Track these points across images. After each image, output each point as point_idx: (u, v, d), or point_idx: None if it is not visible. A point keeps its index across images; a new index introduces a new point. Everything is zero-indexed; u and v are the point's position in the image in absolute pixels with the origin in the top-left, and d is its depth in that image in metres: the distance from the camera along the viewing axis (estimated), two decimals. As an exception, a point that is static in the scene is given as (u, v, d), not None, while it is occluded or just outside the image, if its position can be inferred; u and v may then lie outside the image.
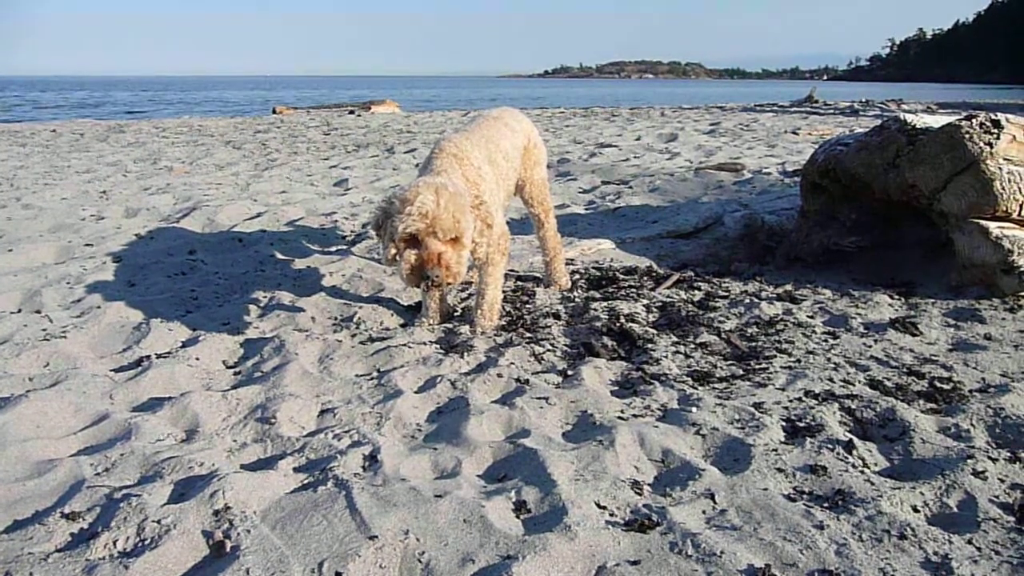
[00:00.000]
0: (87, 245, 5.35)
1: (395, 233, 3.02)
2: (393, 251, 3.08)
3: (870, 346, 3.45)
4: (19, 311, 3.98)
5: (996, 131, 3.97)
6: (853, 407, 2.80)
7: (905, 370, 3.16)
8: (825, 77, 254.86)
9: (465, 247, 3.10)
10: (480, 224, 3.18)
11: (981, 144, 3.95)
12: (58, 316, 3.84)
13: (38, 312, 3.91)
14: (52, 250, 5.17)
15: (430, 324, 3.71)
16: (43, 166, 9.44)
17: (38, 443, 2.56)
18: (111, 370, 3.25)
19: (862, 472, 2.35)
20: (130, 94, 54.09)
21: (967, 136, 3.98)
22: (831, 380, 3.05)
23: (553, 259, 4.32)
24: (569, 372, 3.15)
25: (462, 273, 3.09)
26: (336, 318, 3.86)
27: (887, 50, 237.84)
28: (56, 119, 20.92)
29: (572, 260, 4.88)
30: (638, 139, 12.55)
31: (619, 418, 2.72)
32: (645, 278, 4.55)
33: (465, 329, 3.65)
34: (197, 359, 3.31)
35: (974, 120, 4.04)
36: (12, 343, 3.43)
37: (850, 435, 2.59)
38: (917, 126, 4.32)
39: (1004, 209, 3.97)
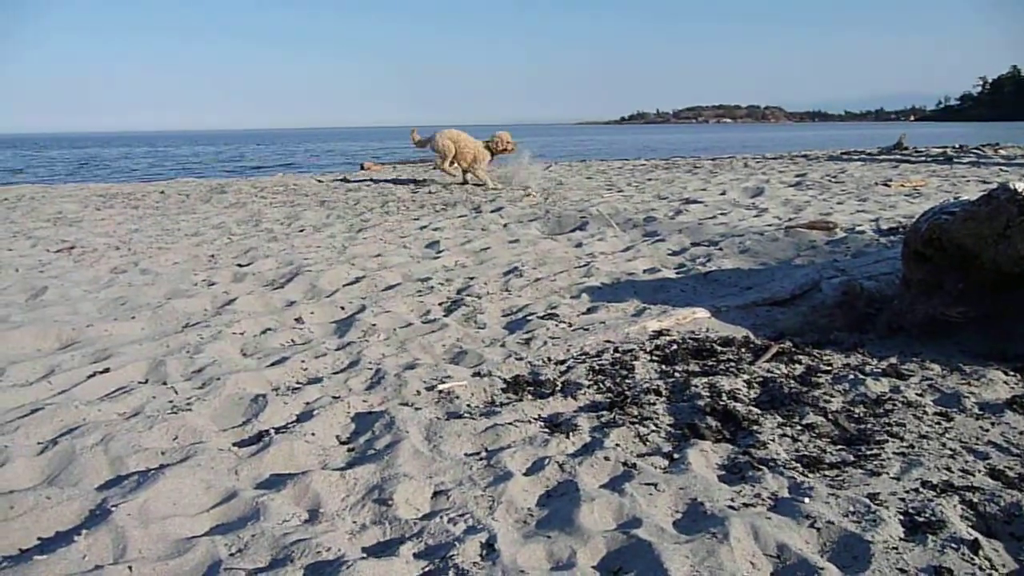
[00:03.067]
0: (202, 311, 5.67)
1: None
2: None
3: (987, 429, 3.34)
4: (146, 381, 4.25)
5: (1115, 203, 3.83)
6: (975, 500, 2.72)
7: (1028, 458, 3.04)
8: (912, 117, 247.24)
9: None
10: None
11: (1099, 216, 3.81)
12: (182, 387, 4.09)
13: (164, 384, 4.17)
14: (171, 317, 5.51)
15: None
16: (155, 229, 10.05)
17: (175, 520, 2.73)
18: (233, 444, 3.44)
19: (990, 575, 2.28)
20: (251, 147, 56.82)
21: (1084, 208, 3.85)
22: (948, 469, 2.97)
23: None
24: (675, 455, 3.16)
25: None
26: (440, 391, 3.97)
27: (979, 88, 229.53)
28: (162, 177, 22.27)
29: (668, 330, 4.90)
30: (723, 194, 12.48)
31: (730, 507, 2.72)
32: (743, 349, 4.53)
33: (567, 408, 3.71)
34: (313, 434, 3.47)
35: (1090, 191, 3.91)
36: (144, 415, 3.67)
37: (974, 532, 2.51)
38: (1028, 196, 4.21)
39: None
